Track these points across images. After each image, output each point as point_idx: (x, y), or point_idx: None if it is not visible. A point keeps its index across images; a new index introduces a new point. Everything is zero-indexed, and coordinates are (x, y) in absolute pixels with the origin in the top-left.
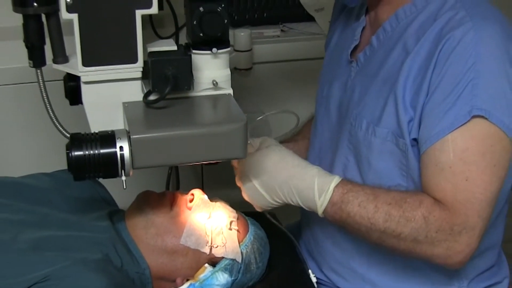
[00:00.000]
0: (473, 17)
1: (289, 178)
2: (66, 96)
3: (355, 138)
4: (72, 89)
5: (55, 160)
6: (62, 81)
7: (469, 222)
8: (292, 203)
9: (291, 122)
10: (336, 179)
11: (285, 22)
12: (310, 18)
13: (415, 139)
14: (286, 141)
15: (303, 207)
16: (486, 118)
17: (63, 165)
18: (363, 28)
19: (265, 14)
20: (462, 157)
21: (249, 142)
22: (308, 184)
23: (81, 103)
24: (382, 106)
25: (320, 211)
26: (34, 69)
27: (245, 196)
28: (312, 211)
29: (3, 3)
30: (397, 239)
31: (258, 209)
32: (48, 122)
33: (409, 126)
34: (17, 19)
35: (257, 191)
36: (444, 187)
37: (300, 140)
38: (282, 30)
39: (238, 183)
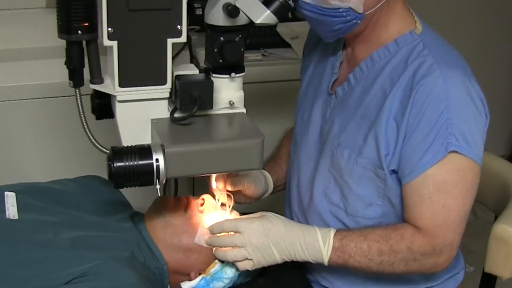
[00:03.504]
0: (440, 65)
1: (298, 237)
2: (93, 112)
3: (337, 165)
4: (100, 105)
5: (75, 166)
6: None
7: (447, 240)
8: (299, 259)
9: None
10: (332, 230)
11: (265, 47)
12: (287, 45)
13: (393, 170)
14: (269, 161)
15: (310, 260)
16: (459, 152)
17: (84, 171)
18: (341, 62)
19: (247, 41)
20: (439, 188)
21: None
22: (313, 238)
23: (108, 117)
24: (362, 139)
25: (326, 259)
26: (64, 84)
27: (256, 259)
28: (318, 262)
29: (43, 27)
30: (392, 267)
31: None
32: (74, 132)
33: (387, 159)
34: (52, 40)
35: (268, 251)
36: (425, 215)
37: (278, 159)
38: (263, 55)
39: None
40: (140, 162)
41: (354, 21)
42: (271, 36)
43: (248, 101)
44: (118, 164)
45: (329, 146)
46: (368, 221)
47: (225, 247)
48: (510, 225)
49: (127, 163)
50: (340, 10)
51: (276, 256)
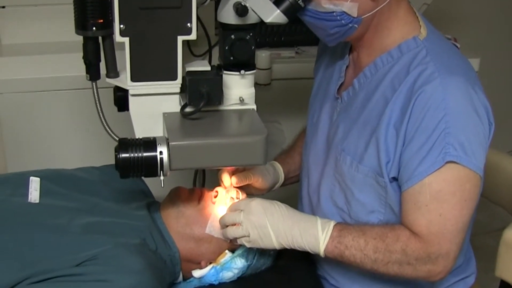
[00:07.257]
0: (441, 73)
1: (297, 222)
2: (115, 104)
3: (340, 170)
4: (120, 98)
5: (102, 156)
6: (111, 89)
7: (442, 250)
8: (296, 245)
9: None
10: (333, 221)
11: (299, 45)
12: None
13: (393, 177)
14: (282, 153)
15: (306, 248)
16: (457, 162)
17: (109, 160)
18: (347, 66)
19: (282, 38)
20: (436, 197)
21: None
22: (312, 224)
23: (127, 110)
24: (364, 146)
25: (322, 248)
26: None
27: (253, 236)
28: (313, 252)
29: (63, 22)
30: (386, 267)
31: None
32: (97, 122)
33: (387, 167)
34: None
35: (264, 231)
36: (421, 222)
37: (291, 151)
38: (296, 52)
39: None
40: (145, 154)
41: (350, 25)
42: (306, 34)
43: (280, 96)
44: (123, 155)
45: (333, 151)
46: None
47: (228, 225)
48: None
49: (132, 155)
50: (334, 14)
51: (272, 237)
